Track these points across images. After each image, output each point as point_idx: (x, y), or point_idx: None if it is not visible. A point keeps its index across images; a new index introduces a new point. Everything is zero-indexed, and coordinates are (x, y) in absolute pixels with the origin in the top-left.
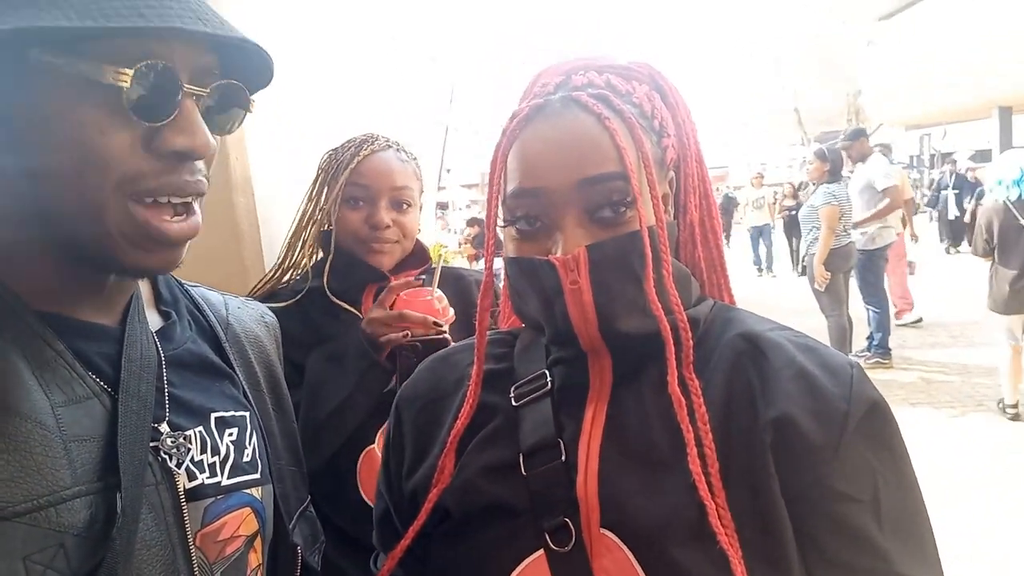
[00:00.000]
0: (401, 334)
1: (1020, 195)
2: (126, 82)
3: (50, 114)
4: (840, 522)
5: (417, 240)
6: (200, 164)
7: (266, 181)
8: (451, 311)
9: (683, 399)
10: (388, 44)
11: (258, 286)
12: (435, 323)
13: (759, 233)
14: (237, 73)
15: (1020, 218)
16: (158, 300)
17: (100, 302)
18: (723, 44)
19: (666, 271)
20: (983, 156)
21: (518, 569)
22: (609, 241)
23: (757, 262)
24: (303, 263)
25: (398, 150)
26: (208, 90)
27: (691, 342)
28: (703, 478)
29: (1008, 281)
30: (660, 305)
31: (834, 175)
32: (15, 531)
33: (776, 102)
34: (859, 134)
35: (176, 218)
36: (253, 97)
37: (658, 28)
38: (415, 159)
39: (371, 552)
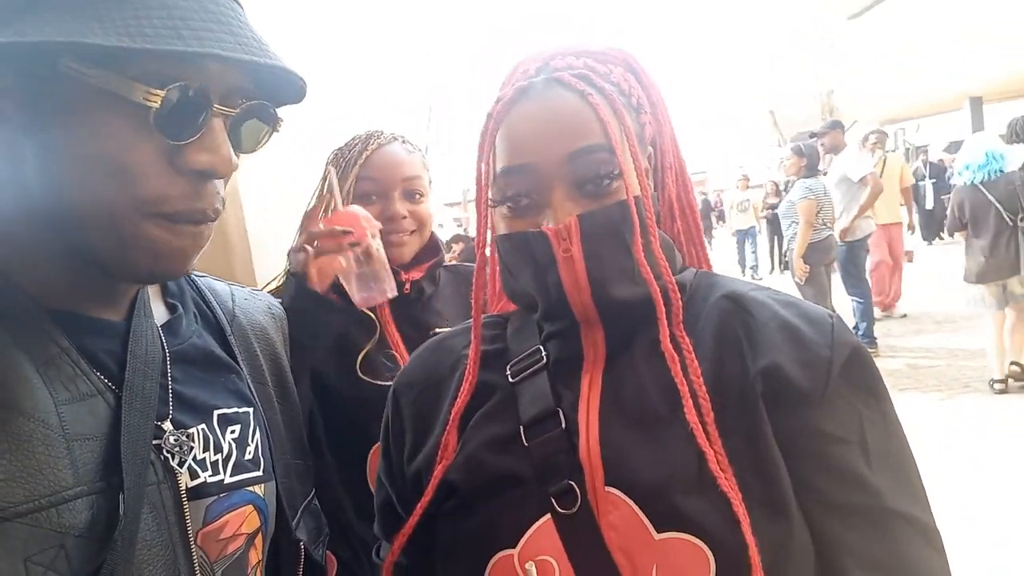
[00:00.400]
0: (326, 256)
1: (985, 176)
2: (156, 103)
3: (75, 124)
4: (830, 462)
5: (432, 232)
6: (220, 183)
7: (255, 195)
8: (376, 224)
9: (676, 355)
10: (371, 64)
11: (269, 284)
12: (343, 231)
13: (745, 236)
14: (267, 89)
15: (988, 195)
16: (165, 292)
17: (108, 298)
18: (697, 48)
19: (653, 238)
20: (957, 147)
21: (526, 535)
22: (599, 210)
23: (742, 263)
24: None
25: (404, 142)
26: (237, 111)
27: (680, 302)
28: (700, 427)
29: (981, 251)
30: (649, 270)
31: (811, 169)
32: (16, 532)
33: (750, 105)
34: (834, 126)
35: (195, 236)
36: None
37: (632, 35)
38: (420, 150)
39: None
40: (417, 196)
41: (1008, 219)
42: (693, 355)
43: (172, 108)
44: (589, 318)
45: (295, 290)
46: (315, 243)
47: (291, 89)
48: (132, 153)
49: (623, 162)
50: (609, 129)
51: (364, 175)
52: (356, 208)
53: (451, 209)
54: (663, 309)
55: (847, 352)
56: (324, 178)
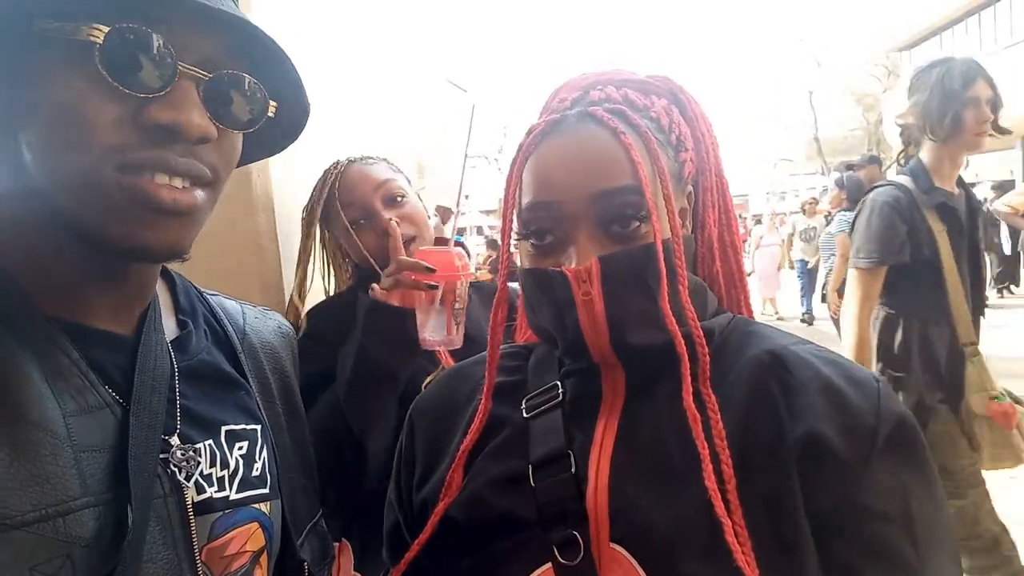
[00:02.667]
0: (407, 287)
1: None
2: (98, 38)
3: (45, 83)
4: (871, 541)
5: (440, 238)
6: (200, 150)
7: (287, 199)
8: (471, 268)
9: (698, 415)
10: (411, 70)
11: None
12: (426, 268)
13: (806, 271)
14: (265, 78)
15: None
16: (177, 309)
17: (117, 309)
18: (744, 69)
19: (682, 285)
20: (1006, 186)
21: None
22: (622, 253)
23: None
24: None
25: (361, 159)
26: (211, 75)
27: (707, 356)
28: (719, 495)
29: None
30: (675, 319)
31: (852, 202)
32: (23, 540)
33: (798, 131)
34: (872, 160)
35: (172, 189)
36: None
37: (680, 53)
38: (383, 159)
39: None
40: (399, 198)
41: None
42: (718, 415)
43: (123, 51)
44: (607, 361)
45: (374, 307)
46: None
47: (287, 79)
48: (92, 105)
49: (652, 205)
50: (640, 170)
51: (344, 203)
52: (456, 250)
53: (487, 216)
54: (687, 364)
55: (894, 421)
56: (307, 235)
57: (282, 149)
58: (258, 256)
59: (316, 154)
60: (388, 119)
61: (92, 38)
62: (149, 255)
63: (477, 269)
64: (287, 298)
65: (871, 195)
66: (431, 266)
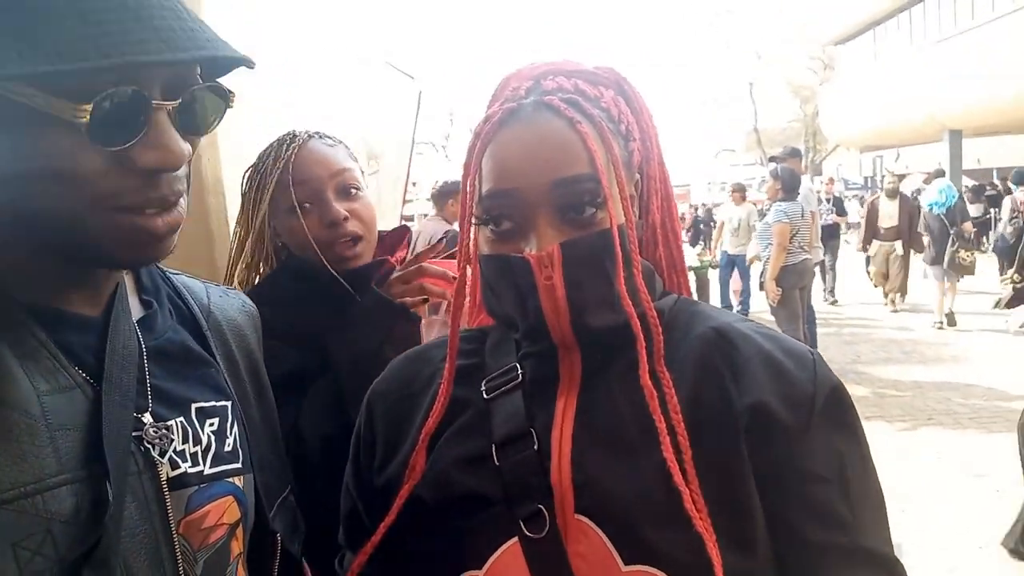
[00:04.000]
0: (420, 298)
1: (944, 210)
2: (85, 118)
3: (16, 143)
4: (809, 500)
5: (387, 233)
6: (182, 170)
7: (237, 182)
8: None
9: (654, 391)
10: (360, 55)
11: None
12: (454, 277)
13: (732, 265)
14: (215, 64)
15: (946, 223)
16: (140, 289)
17: (85, 293)
18: (683, 61)
19: (636, 268)
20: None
21: (493, 557)
22: (582, 239)
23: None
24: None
25: (322, 137)
26: (179, 101)
27: (661, 336)
28: (677, 465)
29: (930, 254)
30: (631, 301)
31: (787, 192)
32: (3, 517)
33: (738, 123)
34: (793, 154)
35: (163, 215)
36: (233, 90)
37: (623, 43)
38: (341, 142)
39: None
40: (353, 191)
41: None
42: (673, 391)
43: (105, 117)
44: (567, 343)
45: (384, 304)
46: (423, 283)
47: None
48: (76, 164)
49: (608, 192)
50: (596, 158)
51: (291, 181)
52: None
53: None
54: (643, 343)
55: (828, 389)
56: (244, 202)
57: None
58: (209, 242)
59: (266, 136)
60: (337, 102)
61: (78, 119)
62: (139, 267)
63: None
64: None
65: None
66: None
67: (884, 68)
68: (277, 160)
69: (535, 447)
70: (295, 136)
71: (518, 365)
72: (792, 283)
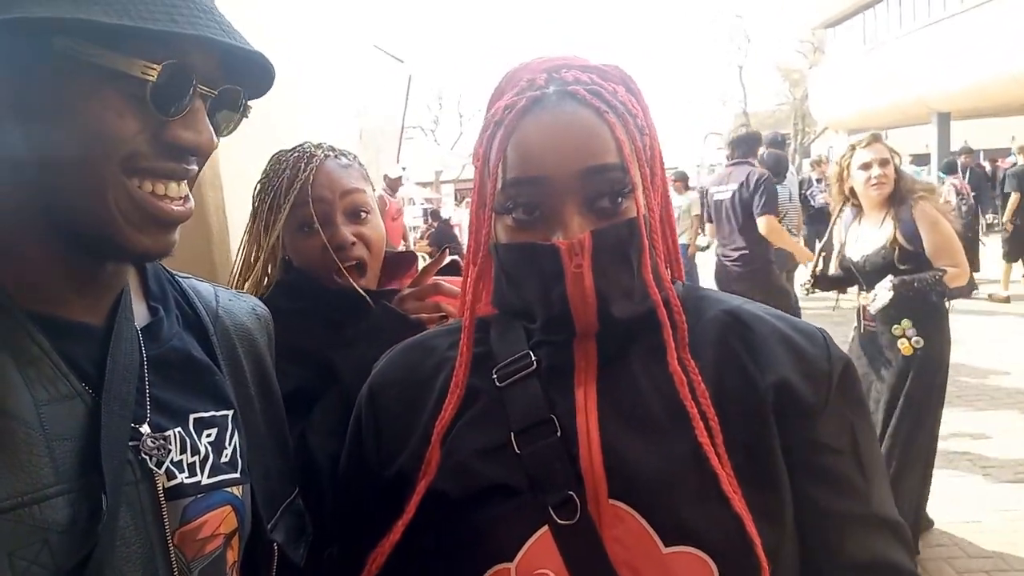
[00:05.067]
0: (437, 314)
1: None
2: (153, 76)
3: (66, 98)
4: (827, 472)
5: (392, 254)
6: (192, 165)
7: (234, 176)
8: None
9: (684, 377)
10: (352, 44)
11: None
12: (448, 291)
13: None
14: (238, 78)
15: None
16: (147, 295)
17: (88, 299)
18: (671, 44)
19: (660, 257)
20: (922, 160)
21: (523, 548)
22: (611, 228)
23: None
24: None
25: (337, 155)
26: (216, 92)
27: (685, 323)
28: (712, 449)
29: None
30: (656, 290)
31: (775, 176)
32: (1, 527)
33: (729, 105)
34: (773, 142)
35: (176, 201)
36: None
37: (618, 30)
38: (355, 159)
39: None
40: (363, 214)
41: None
42: (699, 376)
43: (166, 83)
44: (589, 332)
45: (399, 321)
46: (438, 302)
47: (259, 80)
48: (122, 124)
49: (635, 181)
50: (624, 148)
51: (302, 201)
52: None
53: (424, 189)
54: (670, 332)
55: (841, 366)
56: (254, 213)
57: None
58: (207, 237)
59: (263, 124)
60: (329, 88)
61: (146, 76)
62: (145, 259)
63: (415, 243)
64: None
65: None
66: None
67: (873, 51)
68: (294, 180)
69: (558, 433)
70: (312, 156)
71: (531, 352)
72: (778, 265)
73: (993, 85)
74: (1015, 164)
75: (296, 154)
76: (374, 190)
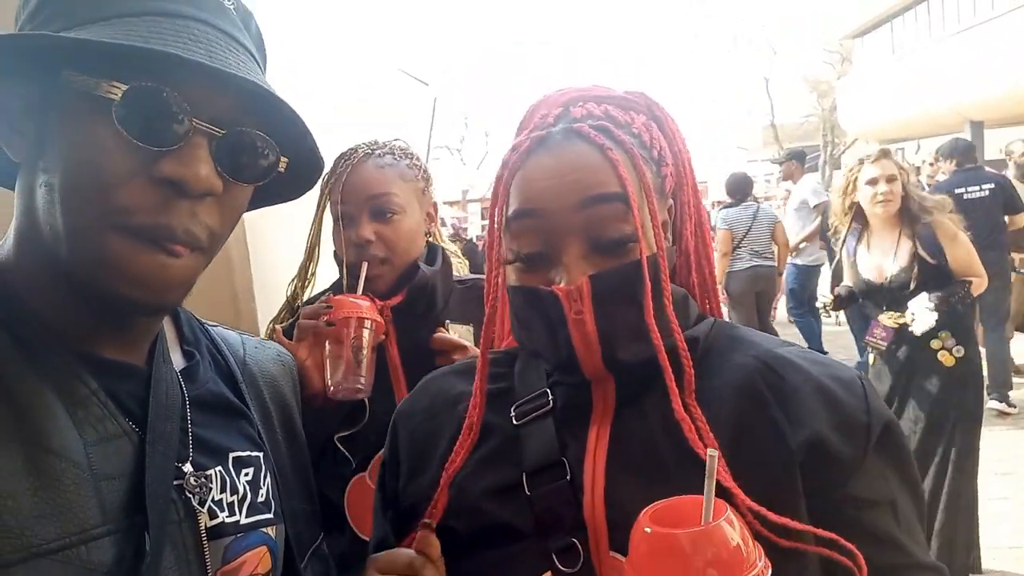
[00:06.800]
0: (323, 307)
1: None
2: (116, 95)
3: (60, 131)
4: (865, 526)
5: (422, 266)
6: (203, 207)
7: (259, 216)
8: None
9: (692, 423)
10: (378, 66)
11: (280, 316)
12: (326, 306)
13: None
14: (271, 129)
15: None
16: (182, 340)
17: (127, 342)
18: (701, 58)
19: (666, 299)
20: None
21: None
22: (611, 271)
23: None
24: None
25: (380, 155)
26: (224, 131)
27: (691, 370)
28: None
29: None
30: (659, 332)
31: (736, 199)
32: (47, 568)
33: (758, 117)
34: (791, 156)
35: (170, 257)
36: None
37: (642, 44)
38: (406, 158)
39: None
40: (388, 215)
41: None
42: (706, 424)
43: (136, 106)
44: (599, 376)
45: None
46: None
47: (298, 141)
48: (107, 156)
49: (639, 222)
50: (628, 185)
51: (337, 199)
52: (360, 300)
53: (451, 208)
54: (671, 376)
55: (883, 422)
56: (319, 204)
57: (295, 197)
58: (228, 268)
59: None
60: (353, 109)
61: (110, 95)
62: (136, 312)
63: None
64: (255, 297)
65: None
66: (330, 304)
67: (902, 60)
68: (332, 175)
69: (567, 477)
70: (353, 153)
71: (548, 391)
72: (743, 288)
73: None
74: None
75: (342, 153)
76: (426, 191)
